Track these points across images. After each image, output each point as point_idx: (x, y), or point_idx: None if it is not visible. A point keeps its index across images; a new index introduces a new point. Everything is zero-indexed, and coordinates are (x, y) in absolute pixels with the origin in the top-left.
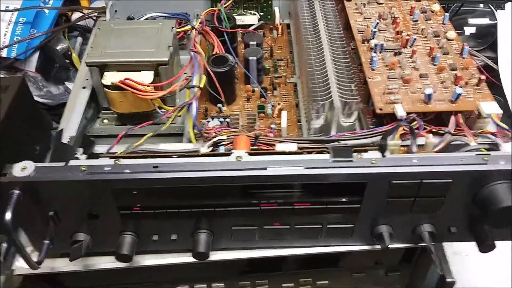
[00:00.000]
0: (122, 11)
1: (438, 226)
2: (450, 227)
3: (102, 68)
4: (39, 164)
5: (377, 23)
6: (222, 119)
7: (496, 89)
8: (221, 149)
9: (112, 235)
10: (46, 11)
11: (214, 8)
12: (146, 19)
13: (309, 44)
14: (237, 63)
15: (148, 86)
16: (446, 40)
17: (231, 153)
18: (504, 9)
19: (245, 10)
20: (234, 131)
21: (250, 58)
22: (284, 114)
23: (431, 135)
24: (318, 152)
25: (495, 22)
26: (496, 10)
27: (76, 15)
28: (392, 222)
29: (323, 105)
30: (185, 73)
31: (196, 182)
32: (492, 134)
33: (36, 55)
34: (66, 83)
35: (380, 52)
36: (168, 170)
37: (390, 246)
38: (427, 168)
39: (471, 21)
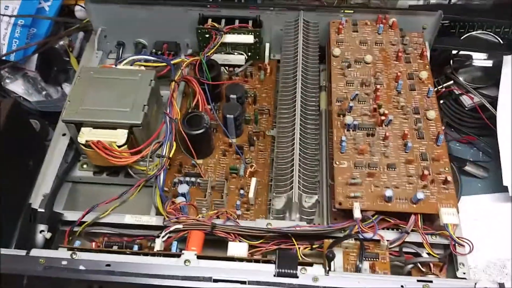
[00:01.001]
0: (112, 36)
1: None
2: None
3: (78, 125)
4: (3, 251)
5: (356, 94)
6: (194, 179)
7: (488, 130)
8: (174, 246)
9: None
10: (46, 8)
11: (196, 58)
12: (134, 61)
13: (282, 125)
14: (215, 118)
15: (121, 151)
16: (425, 119)
17: (181, 254)
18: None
19: (233, 50)
20: (192, 220)
21: (228, 116)
22: (253, 182)
23: (386, 237)
24: (265, 262)
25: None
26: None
27: (78, 8)
28: None
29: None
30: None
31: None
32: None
33: (36, 54)
34: (65, 83)
35: (353, 131)
36: (119, 271)
37: None
38: None
39: (476, 61)
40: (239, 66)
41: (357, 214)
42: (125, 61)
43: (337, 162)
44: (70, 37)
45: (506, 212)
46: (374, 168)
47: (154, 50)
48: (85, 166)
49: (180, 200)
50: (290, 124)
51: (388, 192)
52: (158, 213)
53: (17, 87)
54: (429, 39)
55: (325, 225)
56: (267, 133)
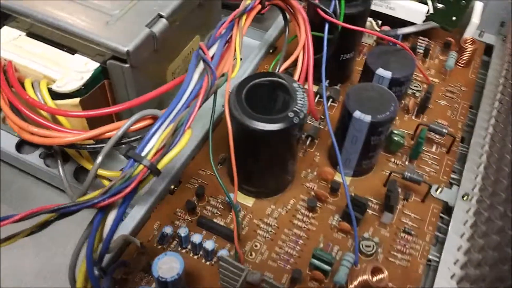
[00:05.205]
0: None
1: None
2: None
3: None
4: None
5: None
6: (209, 245)
7: None
8: None
9: None
10: None
11: None
12: None
13: None
14: (325, 114)
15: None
16: None
17: None
18: None
19: None
20: None
21: (358, 116)
22: None
23: None
24: None
25: None
26: None
27: None
28: None
29: None
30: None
31: None
32: None
33: None
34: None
35: None
36: None
37: None
38: None
39: None
40: (407, 24)
41: None
42: None
43: None
44: None
45: None
46: None
47: None
48: None
49: None
50: None
51: None
52: None
53: None
54: None
55: None
56: (436, 193)
